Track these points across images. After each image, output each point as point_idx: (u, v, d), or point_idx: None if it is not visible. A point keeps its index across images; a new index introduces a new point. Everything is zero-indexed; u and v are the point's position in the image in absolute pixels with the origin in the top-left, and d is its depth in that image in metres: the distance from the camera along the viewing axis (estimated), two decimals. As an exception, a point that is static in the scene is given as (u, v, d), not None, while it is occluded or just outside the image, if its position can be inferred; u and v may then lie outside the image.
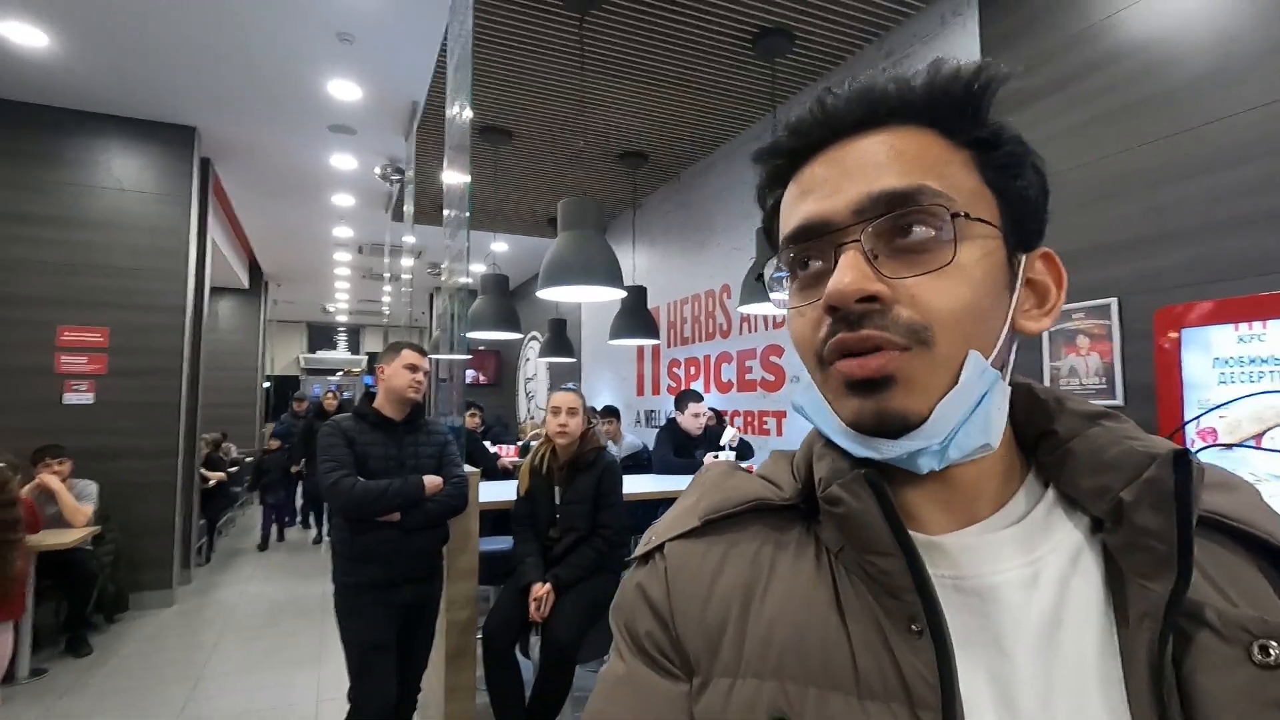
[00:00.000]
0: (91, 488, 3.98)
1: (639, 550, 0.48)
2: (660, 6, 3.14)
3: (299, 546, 6.79)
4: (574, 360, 6.79)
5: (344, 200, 6.22)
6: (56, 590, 3.74)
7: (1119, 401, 2.34)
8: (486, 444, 5.47)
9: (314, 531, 7.24)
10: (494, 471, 4.73)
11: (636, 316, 4.70)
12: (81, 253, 4.38)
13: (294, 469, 6.92)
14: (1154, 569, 0.36)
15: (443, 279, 3.71)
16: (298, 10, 3.29)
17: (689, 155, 4.99)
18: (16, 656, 3.30)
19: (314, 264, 9.09)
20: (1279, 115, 1.99)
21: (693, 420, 4.10)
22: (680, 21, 3.26)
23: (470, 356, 10.84)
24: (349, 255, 8.49)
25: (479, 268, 7.98)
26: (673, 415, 4.25)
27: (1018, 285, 0.42)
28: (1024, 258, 0.43)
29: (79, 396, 4.32)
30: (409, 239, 5.72)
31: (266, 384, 11.04)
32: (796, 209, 0.42)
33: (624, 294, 3.31)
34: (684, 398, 4.16)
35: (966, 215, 0.39)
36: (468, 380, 10.98)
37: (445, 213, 3.50)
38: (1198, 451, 1.78)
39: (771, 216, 0.47)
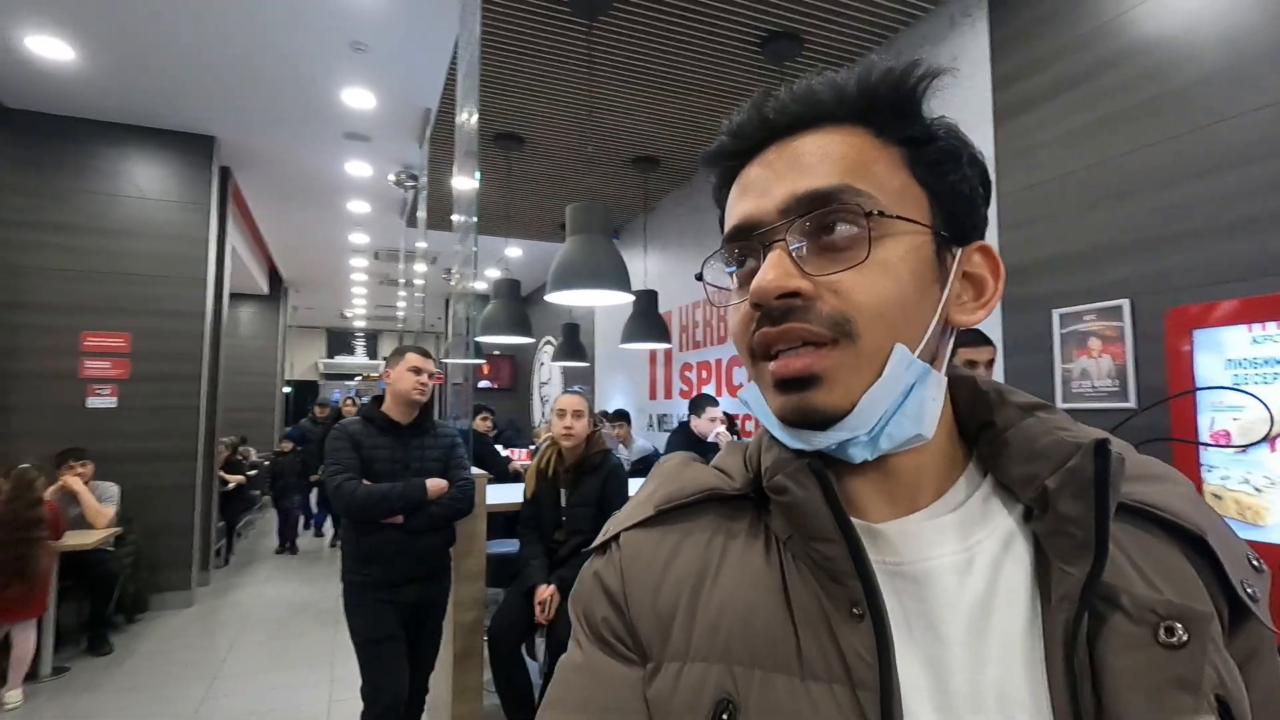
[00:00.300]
0: (113, 490, 4.06)
1: (598, 540, 0.49)
2: (668, 11, 3.16)
3: (316, 551, 6.87)
4: (587, 364, 6.81)
5: (359, 207, 6.31)
6: (78, 590, 3.83)
7: (1132, 404, 2.31)
8: (498, 448, 5.50)
9: (328, 537, 7.27)
10: (504, 475, 4.75)
11: (648, 320, 4.71)
12: (105, 260, 4.49)
13: (314, 477, 6.80)
14: (1073, 553, 0.38)
15: (453, 284, 3.75)
16: (312, 21, 3.36)
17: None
18: (39, 654, 3.38)
19: (331, 270, 9.22)
20: (1292, 112, 1.95)
21: (708, 424, 4.09)
22: (689, 26, 3.27)
23: (485, 361, 10.91)
24: (365, 261, 8.60)
25: (494, 273, 8.04)
26: (685, 419, 4.24)
27: (950, 279, 0.43)
28: (960, 251, 0.44)
29: (102, 400, 4.42)
30: (421, 244, 5.79)
31: (286, 389, 11.21)
32: (735, 209, 0.44)
33: (632, 297, 3.32)
34: (700, 402, 4.15)
35: (881, 213, 0.40)
36: (482, 385, 11.06)
37: (455, 218, 3.54)
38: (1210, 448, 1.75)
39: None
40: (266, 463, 8.21)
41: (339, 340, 15.28)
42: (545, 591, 2.37)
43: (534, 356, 10.51)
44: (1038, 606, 0.39)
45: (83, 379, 4.38)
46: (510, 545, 3.47)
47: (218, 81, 3.98)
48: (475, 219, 3.02)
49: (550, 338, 9.12)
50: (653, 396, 6.25)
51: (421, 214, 5.21)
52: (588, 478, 2.55)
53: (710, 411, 4.09)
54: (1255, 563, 0.43)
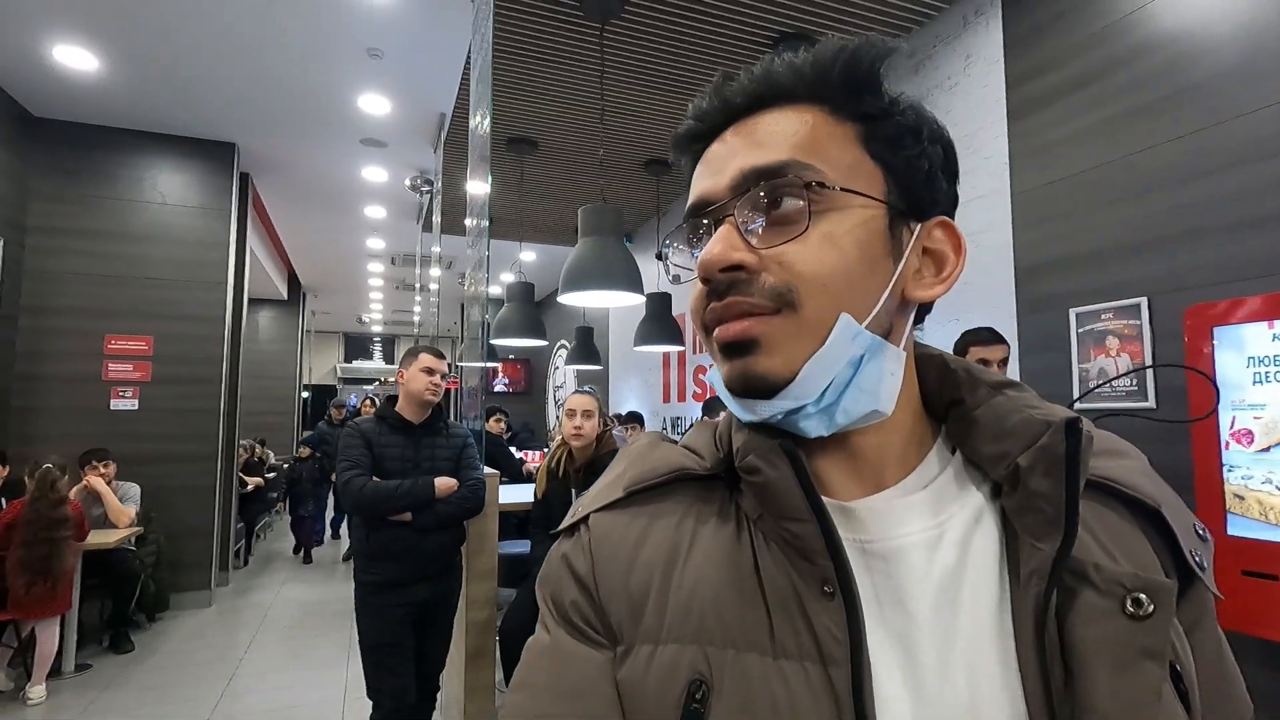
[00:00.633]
0: (134, 490, 4.14)
1: (565, 522, 0.49)
2: (680, 14, 3.17)
3: (333, 560, 6.91)
4: (600, 368, 6.82)
5: (376, 212, 6.38)
6: (101, 589, 3.89)
7: (1151, 404, 2.27)
8: (513, 449, 5.52)
9: (345, 547, 6.86)
10: (518, 476, 4.77)
11: (661, 323, 4.71)
12: (128, 265, 4.58)
13: (333, 479, 6.79)
14: (1043, 529, 0.39)
15: (466, 287, 3.78)
16: (329, 29, 3.41)
17: (712, 162, 4.99)
18: (62, 652, 3.44)
19: (349, 275, 9.33)
20: (1314, 106, 1.92)
21: (723, 426, 4.06)
22: (699, 28, 3.28)
23: (499, 364, 10.97)
24: (382, 266, 8.69)
25: (508, 277, 8.08)
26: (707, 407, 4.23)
27: (905, 253, 0.43)
28: (919, 227, 0.44)
29: (124, 403, 4.50)
30: (436, 249, 5.84)
31: (305, 393, 11.34)
32: (695, 187, 0.45)
33: (644, 299, 3.33)
34: (714, 404, 4.14)
35: (822, 185, 0.40)
36: (497, 388, 11.12)
37: (468, 222, 3.58)
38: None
39: None
40: (285, 465, 8.20)
41: (356, 345, 15.44)
42: (556, 591, 2.37)
43: (548, 360, 10.55)
44: (1007, 581, 0.39)
45: (106, 381, 4.47)
46: (522, 546, 3.48)
47: (238, 89, 4.05)
48: (487, 223, 3.04)
49: (564, 341, 9.15)
50: (666, 400, 6.25)
51: (436, 218, 5.26)
52: (597, 478, 2.54)
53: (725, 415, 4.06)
54: (1200, 532, 0.44)
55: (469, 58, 3.59)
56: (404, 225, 6.76)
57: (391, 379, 14.49)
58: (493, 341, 4.93)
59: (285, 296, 9.32)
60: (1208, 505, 1.89)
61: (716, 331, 0.42)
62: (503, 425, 5.76)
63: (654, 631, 0.41)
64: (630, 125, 4.35)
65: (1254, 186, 2.02)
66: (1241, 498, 1.83)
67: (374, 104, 4.20)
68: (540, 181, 5.34)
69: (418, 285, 8.78)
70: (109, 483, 4.02)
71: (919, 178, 0.43)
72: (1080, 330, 2.50)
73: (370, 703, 2.25)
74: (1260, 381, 1.83)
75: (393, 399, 2.42)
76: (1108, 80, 2.43)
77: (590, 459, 2.57)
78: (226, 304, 4.86)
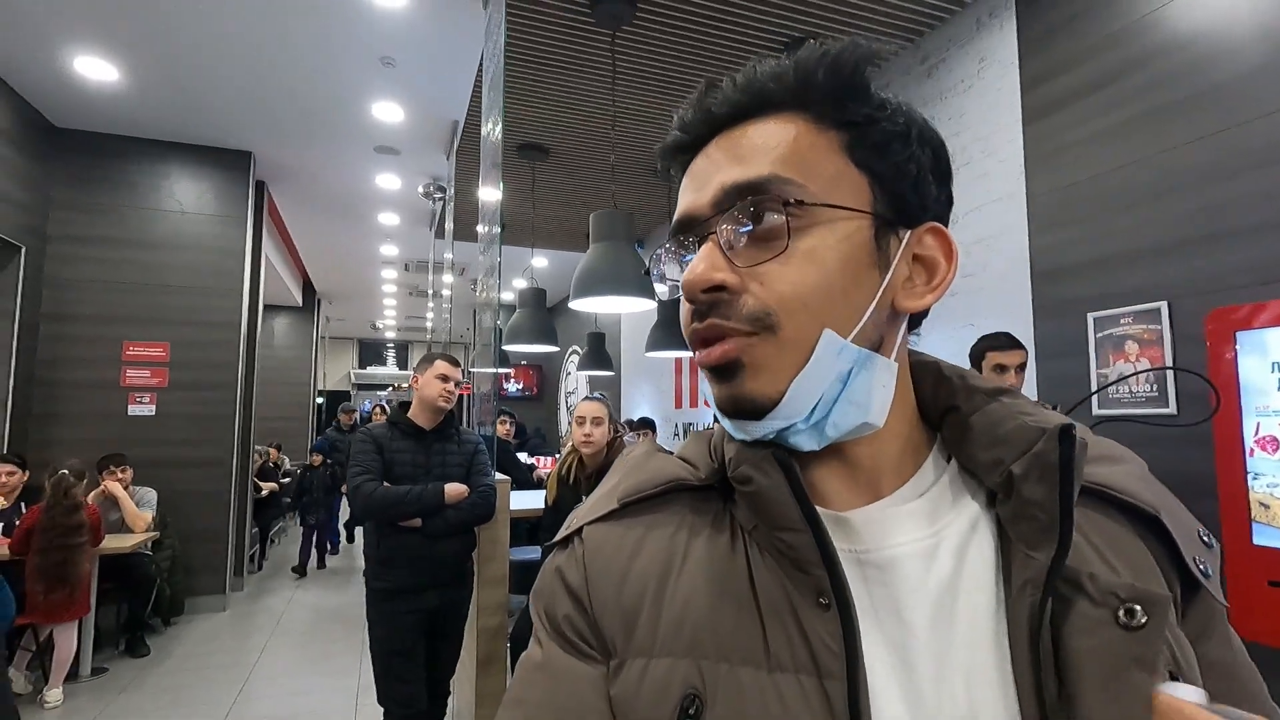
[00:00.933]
0: (151, 495, 4.18)
1: (560, 534, 0.48)
2: (691, 21, 3.17)
3: (347, 568, 6.93)
4: (612, 373, 6.82)
5: (389, 219, 6.43)
6: (117, 593, 3.93)
7: (1172, 410, 2.23)
8: (524, 455, 5.51)
9: (357, 554, 6.90)
10: (526, 483, 4.76)
11: (673, 329, 4.70)
12: (146, 272, 4.65)
13: (344, 488, 6.65)
14: (1037, 538, 0.38)
15: (478, 293, 3.79)
16: (343, 38, 3.45)
17: (724, 167, 4.98)
18: (79, 655, 3.47)
19: (363, 281, 9.40)
20: (1339, 106, 1.88)
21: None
22: (711, 34, 3.28)
23: (511, 370, 11.00)
24: (395, 273, 8.75)
25: (520, 283, 8.11)
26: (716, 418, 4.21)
27: (893, 263, 0.42)
28: (908, 234, 0.43)
29: (142, 408, 4.56)
30: (449, 255, 5.87)
31: (319, 399, 11.43)
32: (680, 202, 0.45)
33: (655, 304, 3.32)
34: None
35: (801, 202, 0.39)
36: (510, 393, 11.15)
37: (480, 229, 3.59)
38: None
39: None
40: (298, 471, 8.23)
41: (370, 350, 15.56)
42: (568, 598, 2.36)
43: (560, 365, 10.57)
44: (1003, 591, 0.39)
45: (124, 387, 4.53)
46: (533, 553, 3.47)
47: (254, 99, 4.10)
48: (499, 229, 3.05)
49: (576, 347, 9.17)
50: (678, 405, 6.23)
51: (449, 225, 5.29)
52: (608, 485, 2.54)
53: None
54: (1206, 538, 0.43)
55: (481, 65, 3.61)
56: (417, 232, 6.81)
57: (405, 384, 14.57)
58: (505, 347, 4.94)
59: (300, 303, 9.40)
60: (1232, 514, 1.85)
61: (700, 355, 0.42)
62: (509, 428, 5.68)
63: (647, 645, 0.41)
64: (641, 131, 4.35)
65: (1278, 188, 1.98)
66: (1267, 506, 1.79)
67: (387, 112, 4.23)
68: (552, 187, 5.36)
69: (430, 291, 8.84)
70: (126, 488, 4.06)
71: (907, 183, 0.42)
72: (1099, 335, 2.46)
73: (381, 709, 2.25)
74: (1286, 388, 1.79)
75: (405, 405, 2.43)
76: (1125, 82, 2.40)
77: (601, 466, 2.56)
78: (242, 310, 4.91)
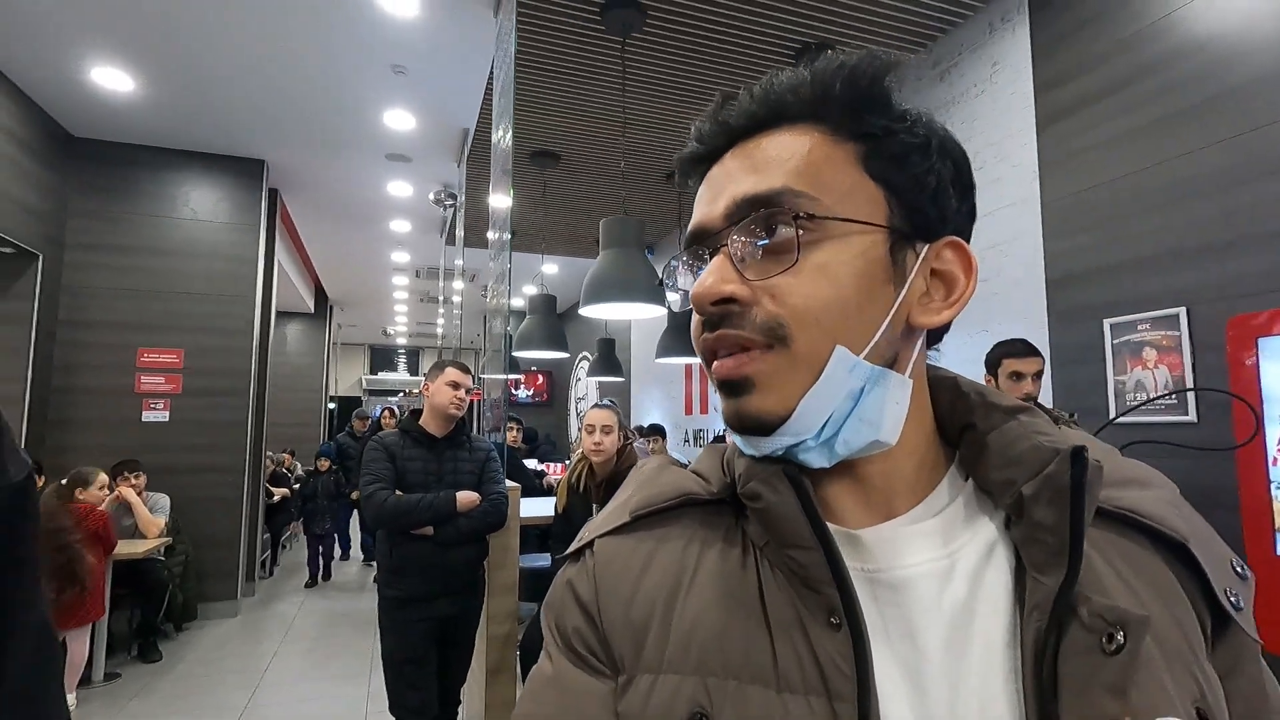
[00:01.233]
0: (164, 501, 4.20)
1: (572, 547, 0.48)
2: (701, 27, 3.17)
3: (357, 571, 6.94)
4: (623, 380, 6.81)
5: (401, 226, 6.47)
6: (130, 599, 3.95)
7: (1191, 418, 2.19)
8: (534, 461, 5.49)
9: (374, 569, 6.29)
10: (532, 490, 4.74)
11: (683, 335, 4.69)
12: (161, 279, 4.69)
13: (354, 495, 6.24)
14: (1047, 562, 0.37)
15: (488, 299, 3.80)
16: (355, 47, 3.47)
17: (734, 173, 4.98)
18: (92, 660, 3.49)
19: (374, 288, 9.46)
20: (1362, 108, 1.85)
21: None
22: (721, 40, 3.28)
23: (522, 376, 11.01)
24: (406, 279, 8.80)
25: (530, 289, 8.12)
26: (722, 432, 4.19)
27: (909, 278, 0.41)
28: (925, 248, 0.42)
29: (156, 414, 4.59)
30: (459, 262, 5.89)
31: (331, 405, 11.49)
32: (695, 213, 0.44)
33: (666, 310, 3.31)
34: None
35: (812, 215, 0.39)
36: (520, 399, 11.16)
37: (490, 235, 3.60)
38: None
39: None
40: (304, 475, 8.13)
41: (381, 357, 15.63)
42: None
43: (570, 372, 10.57)
44: (1017, 616, 0.38)
45: (138, 394, 4.57)
46: (543, 560, 3.46)
47: (267, 107, 4.14)
48: (509, 235, 3.05)
49: (586, 353, 9.17)
50: (689, 412, 6.22)
51: (459, 232, 5.31)
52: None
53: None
54: (1239, 569, 0.42)
55: (492, 72, 3.63)
56: (428, 239, 6.84)
57: (416, 390, 14.63)
58: (515, 354, 4.94)
59: (312, 309, 9.47)
60: (1255, 526, 1.81)
61: (713, 367, 0.41)
62: (516, 433, 5.61)
63: (654, 662, 0.40)
64: (651, 137, 4.36)
65: (1299, 192, 1.95)
66: (1292, 517, 1.75)
67: (399, 120, 4.26)
68: (562, 194, 5.37)
69: (441, 298, 8.87)
70: (140, 493, 4.09)
71: (926, 196, 0.41)
72: (1115, 341, 2.43)
73: (392, 717, 2.24)
74: (1310, 395, 1.75)
75: (416, 412, 2.43)
76: (1139, 86, 2.37)
77: (611, 474, 2.55)
78: (255, 317, 4.94)
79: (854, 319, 0.39)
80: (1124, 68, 2.43)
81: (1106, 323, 2.44)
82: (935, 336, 0.45)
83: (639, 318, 4.14)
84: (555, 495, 2.88)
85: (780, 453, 0.40)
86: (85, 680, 3.46)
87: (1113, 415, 2.39)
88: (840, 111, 0.41)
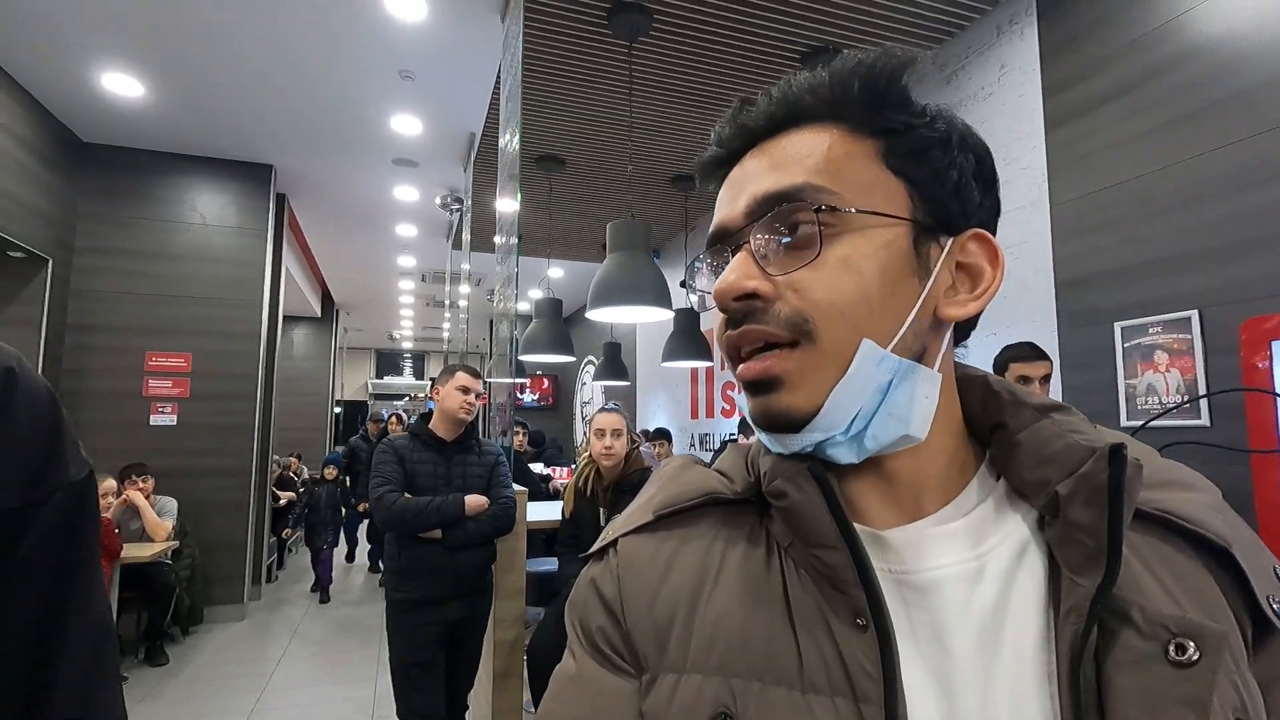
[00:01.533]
0: (171, 504, 4.21)
1: (595, 545, 0.48)
2: (707, 31, 3.17)
3: (364, 574, 6.94)
4: (628, 384, 6.81)
5: (407, 230, 6.49)
6: (137, 602, 3.96)
7: (1204, 422, 2.17)
8: (540, 465, 5.49)
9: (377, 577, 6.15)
10: (537, 494, 4.74)
11: (689, 338, 4.69)
12: (168, 284, 4.71)
13: (362, 506, 6.05)
14: (1084, 564, 0.36)
15: (494, 303, 3.81)
16: (362, 52, 3.49)
17: (740, 177, 4.98)
18: (100, 663, 3.49)
19: (380, 292, 9.49)
20: (1376, 109, 1.83)
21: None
22: (727, 44, 3.28)
23: (528, 380, 11.02)
24: (412, 284, 8.82)
25: (536, 293, 8.14)
26: (733, 436, 4.18)
27: (934, 271, 0.41)
28: (949, 241, 0.42)
29: (164, 418, 4.61)
30: (465, 266, 5.90)
31: (337, 409, 11.52)
32: (716, 214, 0.45)
33: (672, 314, 3.31)
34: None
35: (833, 208, 0.39)
36: (526, 403, 11.17)
37: (497, 239, 3.61)
38: None
39: None
40: (311, 482, 8.03)
41: (387, 361, 15.68)
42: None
43: (576, 375, 10.58)
44: (1051, 619, 0.37)
45: (146, 397, 4.58)
46: (550, 564, 3.45)
47: (276, 113, 4.16)
48: (516, 240, 3.06)
49: (592, 357, 9.17)
50: (694, 416, 6.20)
51: (466, 236, 5.33)
52: (627, 496, 2.52)
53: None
54: None
55: (499, 78, 3.64)
56: (434, 243, 6.86)
57: (422, 395, 14.66)
58: (521, 358, 4.95)
59: (319, 314, 9.49)
60: (1269, 525, 1.79)
61: (739, 369, 0.41)
62: (522, 438, 5.61)
63: (678, 661, 0.40)
64: (658, 141, 4.36)
65: (1312, 194, 1.94)
66: (1308, 521, 1.73)
67: (406, 125, 4.28)
68: (568, 198, 5.38)
69: (447, 302, 8.89)
70: (147, 497, 4.10)
71: (947, 189, 0.41)
72: (1126, 345, 2.41)
73: (399, 722, 2.24)
74: (1325, 398, 1.73)
75: (426, 416, 2.44)
76: (1148, 88, 2.36)
77: (618, 477, 2.54)
78: (262, 321, 4.96)
79: (879, 312, 0.39)
80: (1133, 70, 2.42)
81: (1117, 326, 2.42)
82: (962, 333, 0.45)
83: (645, 321, 4.14)
84: (561, 499, 2.88)
85: (809, 449, 0.40)
86: (93, 683, 3.46)
87: (1122, 420, 2.37)
88: (859, 109, 0.41)
